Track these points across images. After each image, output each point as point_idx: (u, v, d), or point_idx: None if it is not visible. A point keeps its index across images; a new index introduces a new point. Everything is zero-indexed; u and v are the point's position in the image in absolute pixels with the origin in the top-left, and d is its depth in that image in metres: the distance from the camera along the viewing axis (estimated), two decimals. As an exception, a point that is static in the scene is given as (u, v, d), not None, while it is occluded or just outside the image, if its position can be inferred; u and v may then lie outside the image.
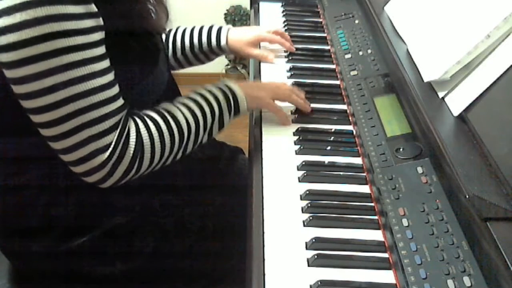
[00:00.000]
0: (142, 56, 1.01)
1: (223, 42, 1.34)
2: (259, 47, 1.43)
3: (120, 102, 0.93)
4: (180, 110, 1.01)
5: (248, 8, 2.62)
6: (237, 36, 1.35)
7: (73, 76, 0.86)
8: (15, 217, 1.05)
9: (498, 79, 0.89)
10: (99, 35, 0.89)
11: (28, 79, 0.84)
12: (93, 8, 0.87)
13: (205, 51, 1.35)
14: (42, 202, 1.02)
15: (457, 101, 0.94)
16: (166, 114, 0.99)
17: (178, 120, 1.00)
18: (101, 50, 0.89)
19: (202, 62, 1.39)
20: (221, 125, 1.07)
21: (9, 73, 0.85)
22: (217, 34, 1.34)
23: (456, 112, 0.93)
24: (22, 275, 1.15)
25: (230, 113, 1.07)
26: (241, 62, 3.06)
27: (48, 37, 0.82)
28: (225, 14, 3.04)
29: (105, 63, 0.90)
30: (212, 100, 1.05)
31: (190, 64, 1.38)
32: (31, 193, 1.02)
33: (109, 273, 1.06)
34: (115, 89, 0.92)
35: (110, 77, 0.91)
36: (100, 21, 0.89)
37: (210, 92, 1.06)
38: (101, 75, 0.89)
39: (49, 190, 1.02)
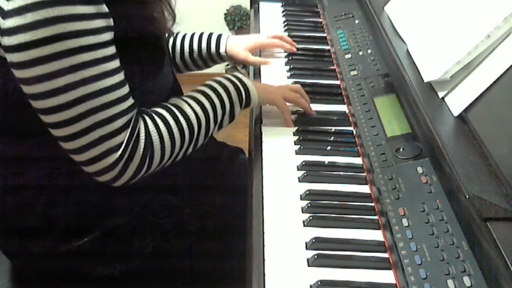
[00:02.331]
0: (148, 57, 1.01)
1: (222, 49, 1.35)
2: (259, 53, 1.43)
3: (130, 101, 0.93)
4: (189, 104, 1.01)
5: (248, 8, 2.62)
6: (235, 42, 1.36)
7: (84, 76, 0.86)
8: (15, 217, 1.05)
9: (498, 79, 0.89)
10: (109, 35, 0.89)
11: (38, 79, 0.84)
12: (104, 8, 0.87)
13: (204, 58, 1.36)
14: (42, 202, 1.02)
15: (457, 101, 0.94)
16: (175, 110, 0.99)
17: (187, 114, 0.99)
18: (112, 50, 0.89)
19: (200, 68, 1.40)
20: (232, 117, 1.07)
21: (19, 73, 0.85)
22: (216, 41, 1.35)
23: (456, 112, 0.93)
24: (23, 275, 1.15)
25: (241, 105, 1.08)
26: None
27: (59, 38, 0.82)
28: (225, 14, 3.04)
29: (116, 63, 0.90)
30: (222, 92, 1.05)
31: (188, 69, 1.39)
32: (31, 193, 1.02)
33: (109, 274, 1.06)
34: (126, 89, 0.92)
35: (120, 76, 0.91)
36: (111, 22, 0.89)
37: (220, 83, 1.06)
38: (111, 75, 0.89)
39: (49, 190, 1.02)
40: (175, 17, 1.11)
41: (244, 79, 1.10)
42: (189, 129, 0.99)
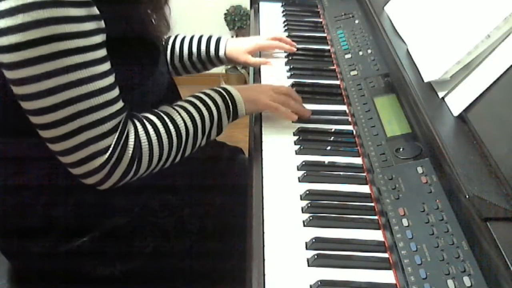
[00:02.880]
0: (142, 58, 1.01)
1: (221, 51, 1.35)
2: (259, 53, 1.43)
3: (120, 104, 0.93)
4: (179, 114, 1.01)
5: (248, 8, 2.62)
6: (235, 45, 1.36)
7: (73, 78, 0.86)
8: (15, 217, 1.05)
9: (498, 79, 0.89)
10: (100, 38, 0.89)
11: (28, 80, 0.84)
12: (95, 10, 0.87)
13: (203, 60, 1.36)
14: (42, 202, 1.02)
15: (457, 101, 0.94)
16: (165, 117, 0.99)
17: (177, 123, 1.00)
18: (102, 52, 0.90)
19: (199, 71, 1.40)
20: (220, 129, 1.07)
21: (9, 74, 0.85)
22: (215, 44, 1.35)
23: (456, 112, 0.93)
24: (22, 275, 1.15)
25: (228, 117, 1.08)
26: (241, 62, 3.05)
27: (49, 39, 0.82)
28: (225, 14, 3.04)
29: (106, 66, 0.90)
30: (211, 104, 1.05)
31: (187, 72, 1.39)
32: (31, 193, 1.02)
33: (109, 274, 1.06)
34: (115, 92, 0.92)
35: (110, 79, 0.91)
36: (102, 24, 0.89)
37: (209, 96, 1.07)
38: (101, 77, 0.89)
39: (49, 190, 1.02)
40: (169, 24, 1.11)
41: (233, 91, 1.09)
42: (177, 136, 0.99)
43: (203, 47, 1.34)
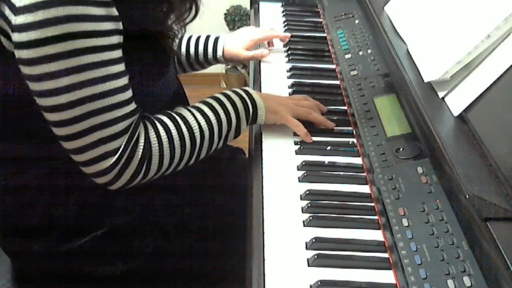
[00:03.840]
0: (153, 58, 1.01)
1: (219, 53, 1.35)
2: (260, 47, 1.43)
3: (132, 106, 0.93)
4: (194, 116, 1.00)
5: (248, 8, 2.62)
6: (232, 45, 1.36)
7: (89, 77, 0.86)
8: (16, 217, 1.05)
9: (498, 79, 0.89)
10: (117, 39, 0.89)
11: (44, 77, 0.84)
12: (114, 11, 0.88)
13: (201, 62, 1.37)
14: (42, 202, 1.03)
15: (457, 101, 0.94)
16: (179, 119, 0.99)
17: (191, 125, 0.99)
18: (118, 53, 0.90)
19: (196, 70, 1.40)
20: (238, 133, 1.06)
21: (26, 70, 0.85)
22: (213, 45, 1.35)
23: (456, 112, 0.93)
24: (23, 275, 1.15)
25: (247, 122, 1.06)
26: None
27: (67, 37, 0.82)
28: (225, 14, 3.04)
29: (121, 67, 0.90)
30: (229, 107, 1.04)
31: (184, 71, 1.39)
32: (32, 193, 1.02)
33: (110, 273, 1.06)
34: (129, 93, 0.92)
35: (124, 80, 0.91)
36: (120, 25, 0.89)
37: (229, 98, 1.05)
38: (116, 78, 0.89)
39: (50, 190, 1.02)
40: (185, 29, 1.11)
41: (255, 96, 1.07)
42: (190, 140, 0.98)
43: (200, 49, 1.35)
